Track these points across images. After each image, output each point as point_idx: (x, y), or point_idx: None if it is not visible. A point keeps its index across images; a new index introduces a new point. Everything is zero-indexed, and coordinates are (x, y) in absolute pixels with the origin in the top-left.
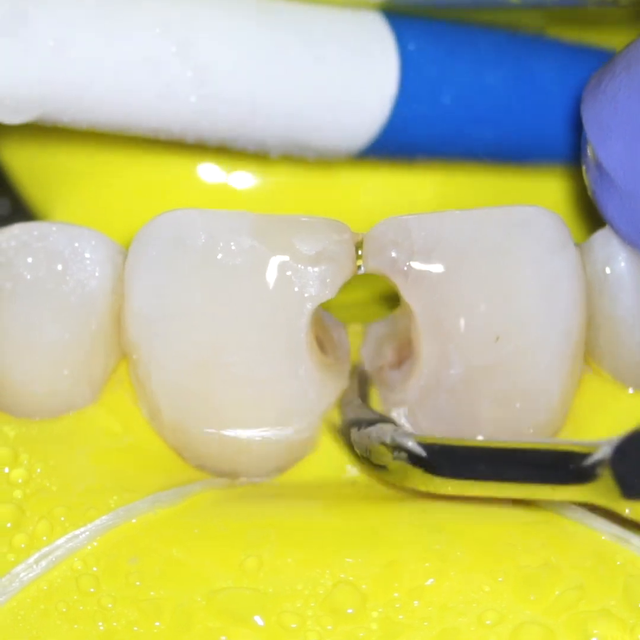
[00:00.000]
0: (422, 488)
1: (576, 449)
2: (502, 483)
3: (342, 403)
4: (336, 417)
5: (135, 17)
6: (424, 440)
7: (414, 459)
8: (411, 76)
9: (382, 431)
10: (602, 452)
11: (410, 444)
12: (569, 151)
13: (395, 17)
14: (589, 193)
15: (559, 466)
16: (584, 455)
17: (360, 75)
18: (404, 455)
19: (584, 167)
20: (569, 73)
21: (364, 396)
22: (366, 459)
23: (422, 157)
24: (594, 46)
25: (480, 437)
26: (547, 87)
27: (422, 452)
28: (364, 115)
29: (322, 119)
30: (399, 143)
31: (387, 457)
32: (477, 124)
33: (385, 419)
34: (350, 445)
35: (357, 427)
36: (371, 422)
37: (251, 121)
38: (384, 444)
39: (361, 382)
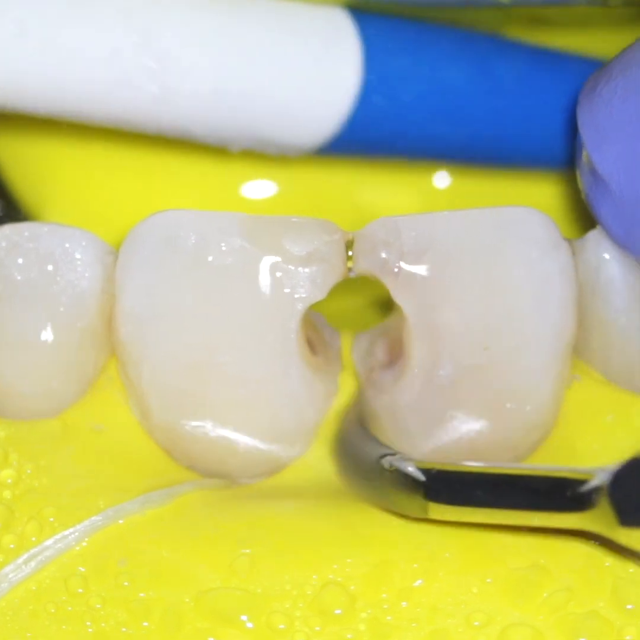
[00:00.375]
0: (420, 515)
1: (573, 476)
2: (498, 510)
3: (343, 431)
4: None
5: (98, 5)
6: (422, 466)
7: (412, 485)
8: (374, 73)
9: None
10: (599, 479)
11: (410, 469)
12: (541, 155)
13: (360, 13)
14: (583, 197)
15: (556, 493)
16: (581, 482)
17: (323, 71)
18: (402, 480)
19: (578, 171)
20: (534, 75)
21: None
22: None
23: (384, 154)
24: (559, 49)
25: (477, 463)
26: (510, 87)
27: (421, 477)
28: (326, 111)
29: (283, 113)
30: (360, 139)
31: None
32: (439, 122)
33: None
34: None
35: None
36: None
37: (211, 113)
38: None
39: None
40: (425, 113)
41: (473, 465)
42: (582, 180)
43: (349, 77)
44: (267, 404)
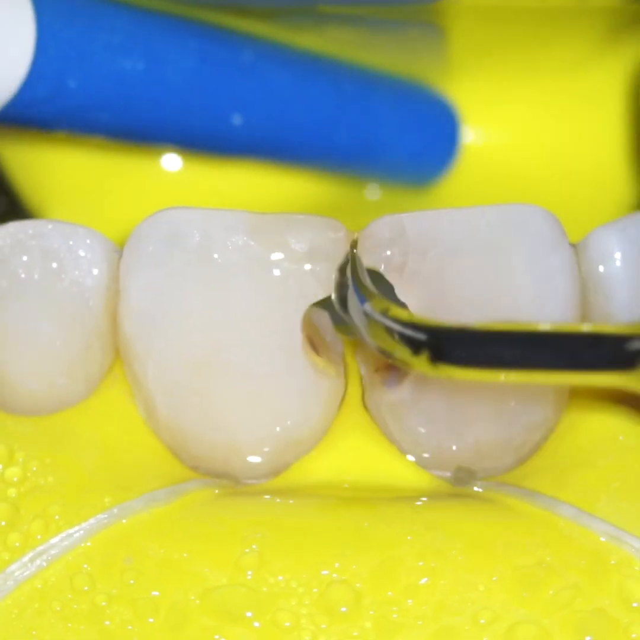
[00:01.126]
0: (432, 374)
1: (615, 331)
2: (529, 371)
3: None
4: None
5: None
6: (426, 324)
7: (415, 344)
8: (45, 54)
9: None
10: None
11: (398, 328)
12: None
13: None
14: None
15: (594, 351)
16: (624, 339)
17: None
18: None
19: None
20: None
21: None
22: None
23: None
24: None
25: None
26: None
27: (420, 336)
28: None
29: None
30: (25, 119)
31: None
32: (106, 110)
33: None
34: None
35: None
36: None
37: None
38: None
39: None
40: (91, 99)
41: (494, 324)
42: None
43: (21, 52)
44: (272, 401)
